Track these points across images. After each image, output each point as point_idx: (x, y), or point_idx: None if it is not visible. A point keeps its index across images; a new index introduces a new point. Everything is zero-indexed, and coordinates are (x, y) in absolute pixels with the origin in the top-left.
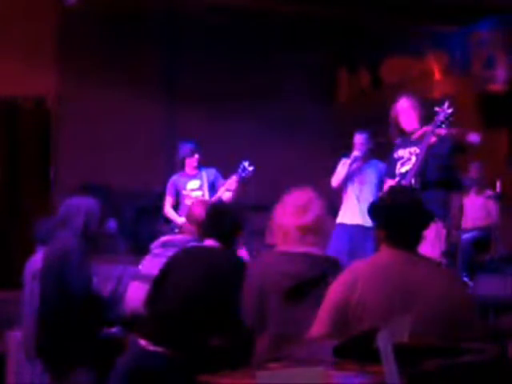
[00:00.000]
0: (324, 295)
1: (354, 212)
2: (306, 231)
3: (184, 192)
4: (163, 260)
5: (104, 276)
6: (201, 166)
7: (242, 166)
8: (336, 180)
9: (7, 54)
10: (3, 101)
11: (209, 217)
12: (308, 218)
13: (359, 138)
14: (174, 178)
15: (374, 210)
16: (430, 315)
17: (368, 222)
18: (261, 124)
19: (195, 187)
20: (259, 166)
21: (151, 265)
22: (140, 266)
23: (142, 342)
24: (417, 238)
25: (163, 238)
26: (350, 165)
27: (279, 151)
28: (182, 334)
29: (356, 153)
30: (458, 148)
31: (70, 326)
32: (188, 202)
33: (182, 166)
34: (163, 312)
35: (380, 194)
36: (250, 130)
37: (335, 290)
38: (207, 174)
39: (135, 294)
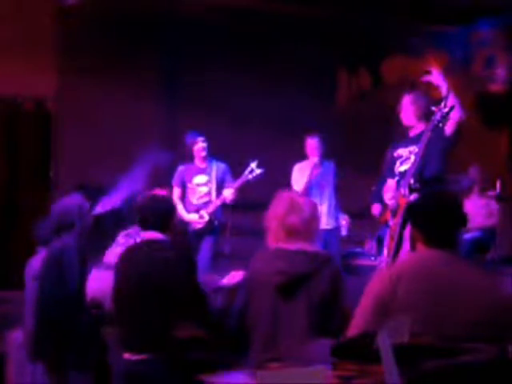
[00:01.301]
0: (317, 291)
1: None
2: (297, 230)
3: (189, 185)
4: (122, 249)
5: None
6: (212, 158)
7: (249, 168)
8: (299, 188)
9: (7, 54)
10: (3, 101)
11: (141, 209)
12: (298, 218)
13: (312, 143)
14: (182, 168)
15: (413, 212)
16: (474, 314)
17: (329, 223)
18: (261, 124)
19: (202, 182)
20: (259, 166)
21: (112, 253)
22: (106, 254)
23: (126, 355)
24: (455, 238)
25: (128, 229)
26: (312, 172)
27: (279, 151)
28: (152, 336)
29: (314, 159)
30: (455, 137)
31: (66, 327)
32: (192, 196)
33: (191, 157)
34: (128, 320)
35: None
36: (250, 130)
37: (377, 288)
38: (217, 170)
39: (94, 283)
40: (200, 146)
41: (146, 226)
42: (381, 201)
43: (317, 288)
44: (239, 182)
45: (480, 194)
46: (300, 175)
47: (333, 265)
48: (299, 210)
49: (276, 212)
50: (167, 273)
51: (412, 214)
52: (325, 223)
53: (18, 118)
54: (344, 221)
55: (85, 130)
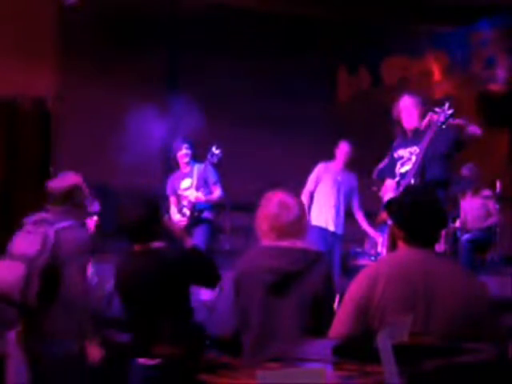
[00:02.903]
0: (309, 288)
1: (328, 217)
2: (288, 229)
3: (179, 191)
4: (35, 237)
5: (104, 276)
6: (194, 162)
7: (210, 152)
8: (310, 189)
9: (7, 54)
10: (3, 101)
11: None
12: (289, 218)
13: (344, 148)
14: (171, 176)
15: (393, 209)
16: (451, 314)
17: (335, 227)
18: (261, 124)
19: (187, 186)
20: (259, 166)
21: (24, 243)
22: (11, 243)
23: (141, 360)
24: (435, 237)
25: (36, 216)
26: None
27: (279, 151)
28: (166, 341)
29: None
30: (458, 143)
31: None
32: (183, 200)
33: (177, 164)
34: (142, 327)
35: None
36: (250, 130)
37: (355, 289)
38: (198, 171)
39: (3, 274)
40: (183, 152)
41: (136, 239)
42: (383, 178)
43: (309, 285)
44: (204, 167)
45: (474, 193)
46: (315, 177)
47: (324, 262)
48: (289, 209)
49: (266, 212)
50: (174, 276)
51: (394, 211)
52: (331, 225)
53: (18, 117)
54: None
55: (85, 130)
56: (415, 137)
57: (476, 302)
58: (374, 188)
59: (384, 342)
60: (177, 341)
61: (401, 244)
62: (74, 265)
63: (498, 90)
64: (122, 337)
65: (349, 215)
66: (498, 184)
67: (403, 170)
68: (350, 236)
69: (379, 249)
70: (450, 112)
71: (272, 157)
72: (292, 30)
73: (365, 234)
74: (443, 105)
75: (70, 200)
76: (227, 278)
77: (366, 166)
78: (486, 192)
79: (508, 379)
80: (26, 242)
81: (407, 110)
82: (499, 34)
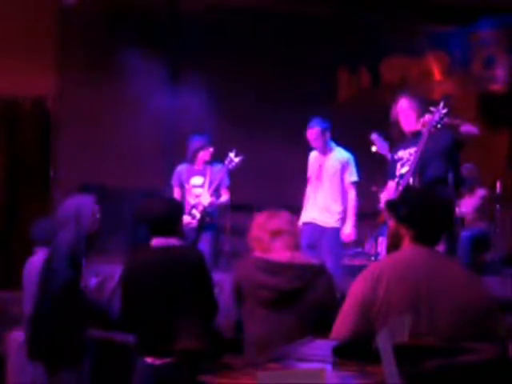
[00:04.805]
0: (310, 303)
1: (311, 210)
2: (281, 230)
3: (186, 185)
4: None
5: (104, 276)
6: (211, 161)
7: (228, 158)
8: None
9: (7, 54)
10: (3, 101)
11: (150, 214)
12: (280, 220)
13: (310, 134)
14: (180, 168)
15: (401, 209)
16: (455, 314)
17: (324, 219)
18: (261, 124)
19: (198, 183)
20: (259, 166)
21: None
22: None
23: (148, 359)
24: (441, 237)
25: None
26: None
27: (279, 151)
28: (176, 339)
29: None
30: (455, 143)
31: (58, 327)
32: (189, 196)
33: (193, 159)
34: (151, 326)
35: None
36: (250, 130)
37: (358, 288)
38: (213, 172)
39: None
40: (210, 151)
41: (158, 232)
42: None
43: (310, 300)
44: (220, 172)
45: (470, 192)
46: (309, 167)
47: (326, 275)
48: (278, 215)
49: (257, 221)
50: (190, 276)
51: (404, 210)
52: (318, 218)
53: (18, 117)
54: None
55: (85, 130)
56: (414, 138)
57: (480, 301)
58: (374, 188)
59: (384, 342)
60: (192, 339)
61: (406, 243)
62: None
63: (498, 90)
64: (124, 337)
65: None
66: (498, 184)
67: (403, 170)
68: None
69: (379, 249)
70: (444, 111)
71: (272, 157)
72: (292, 30)
73: (365, 235)
74: (438, 104)
75: None
76: (227, 280)
77: (366, 166)
78: (481, 191)
79: (508, 379)
80: None
81: (405, 112)
82: (499, 34)
